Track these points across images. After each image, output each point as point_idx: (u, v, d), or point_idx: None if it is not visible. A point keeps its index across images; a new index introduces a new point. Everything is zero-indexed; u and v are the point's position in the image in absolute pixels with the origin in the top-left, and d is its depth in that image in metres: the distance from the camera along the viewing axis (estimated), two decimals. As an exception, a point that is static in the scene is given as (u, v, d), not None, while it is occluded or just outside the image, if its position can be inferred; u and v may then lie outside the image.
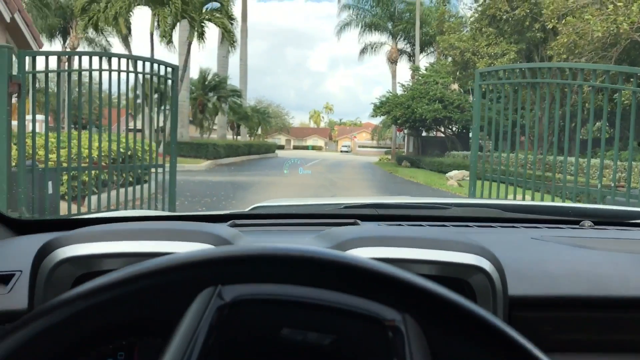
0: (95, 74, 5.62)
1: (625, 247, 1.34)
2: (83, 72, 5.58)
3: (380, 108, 30.23)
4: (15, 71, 4.98)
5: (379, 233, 1.04)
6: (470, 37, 22.98)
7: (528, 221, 1.62)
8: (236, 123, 38.61)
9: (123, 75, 5.76)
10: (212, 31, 36.41)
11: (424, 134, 34.25)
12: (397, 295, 0.58)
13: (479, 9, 23.67)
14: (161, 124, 6.72)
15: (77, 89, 5.59)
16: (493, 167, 6.30)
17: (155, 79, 6.17)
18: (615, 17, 14.73)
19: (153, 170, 6.42)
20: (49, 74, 5.46)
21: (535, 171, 6.02)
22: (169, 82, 6.26)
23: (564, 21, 16.28)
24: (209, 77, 33.19)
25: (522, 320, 1.04)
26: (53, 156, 5.74)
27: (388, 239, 0.99)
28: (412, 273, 0.59)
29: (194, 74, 33.28)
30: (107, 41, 33.72)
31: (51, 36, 32.53)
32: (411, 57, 39.63)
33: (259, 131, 46.07)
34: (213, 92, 33.03)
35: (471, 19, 25.10)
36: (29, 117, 5.44)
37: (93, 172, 5.78)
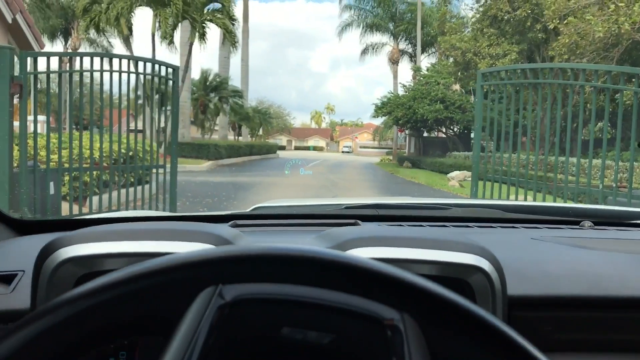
0: (97, 75, 5.63)
1: (624, 247, 1.35)
2: (84, 73, 5.59)
3: (382, 109, 30.23)
4: (17, 72, 4.99)
5: (379, 233, 1.04)
6: (471, 37, 22.99)
7: (528, 221, 1.62)
8: (237, 124, 38.63)
9: (124, 76, 5.77)
10: (213, 32, 36.47)
11: (425, 134, 34.24)
12: (395, 294, 0.59)
13: (480, 9, 23.67)
14: (162, 124, 6.73)
15: (78, 90, 5.60)
16: (495, 168, 6.30)
17: (156, 79, 6.18)
18: (617, 17, 14.73)
19: (154, 170, 6.43)
20: (51, 75, 5.47)
21: (537, 172, 6.02)
22: (170, 82, 6.27)
23: (565, 21, 16.27)
24: (211, 78, 33.22)
25: (521, 320, 1.04)
26: (54, 157, 5.75)
27: (388, 239, 0.99)
28: (410, 273, 0.59)
29: (195, 74, 33.36)
30: (109, 42, 33.80)
31: (53, 37, 32.59)
32: (412, 57, 39.64)
33: (261, 132, 46.10)
34: (214, 92, 33.06)
35: (472, 20, 25.11)
36: (30, 117, 5.44)
37: (94, 172, 5.78)
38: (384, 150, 56.21)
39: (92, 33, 25.15)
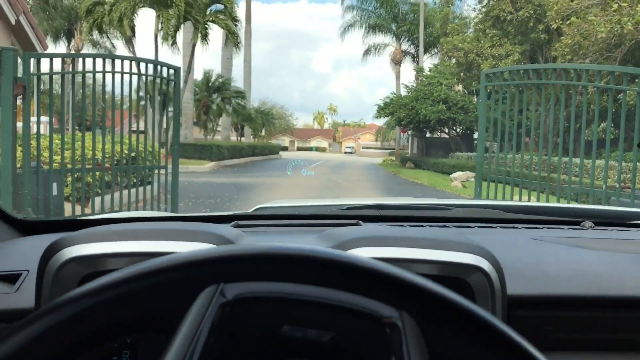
0: (99, 76, 5.64)
1: (624, 247, 1.35)
2: (87, 74, 5.60)
3: (384, 109, 30.20)
4: (20, 73, 5.00)
5: (379, 233, 1.05)
6: (474, 38, 22.97)
7: (529, 222, 1.63)
8: (240, 124, 38.65)
9: (126, 77, 5.78)
10: (216, 33, 36.50)
11: (428, 135, 34.20)
12: (394, 293, 0.60)
13: (483, 10, 23.66)
14: (164, 125, 6.74)
15: (81, 91, 5.61)
16: (499, 168, 6.29)
17: (157, 80, 6.19)
18: (620, 17, 14.69)
19: (156, 171, 6.44)
20: (54, 76, 5.48)
21: (541, 172, 6.01)
22: (172, 83, 6.27)
23: (568, 22, 16.25)
24: (213, 79, 33.27)
25: (521, 319, 1.05)
26: (57, 158, 5.77)
27: (388, 239, 1.00)
28: (409, 271, 0.60)
29: (198, 75, 33.42)
30: (112, 43, 33.85)
31: (56, 38, 32.68)
32: (415, 58, 39.61)
33: (263, 132, 46.14)
34: (217, 93, 33.10)
35: (475, 20, 25.10)
36: (33, 119, 5.46)
37: (97, 173, 5.79)
38: (387, 150, 56.13)
39: (95, 34, 25.19)
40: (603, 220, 1.63)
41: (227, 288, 0.60)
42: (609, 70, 5.97)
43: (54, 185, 5.48)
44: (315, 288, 0.60)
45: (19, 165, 5.12)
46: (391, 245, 0.98)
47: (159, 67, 6.15)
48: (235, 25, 24.44)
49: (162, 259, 0.61)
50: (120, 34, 24.94)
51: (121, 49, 35.44)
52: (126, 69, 5.74)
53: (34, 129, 5.46)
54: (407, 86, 32.42)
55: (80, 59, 5.64)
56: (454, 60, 25.73)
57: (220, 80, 33.02)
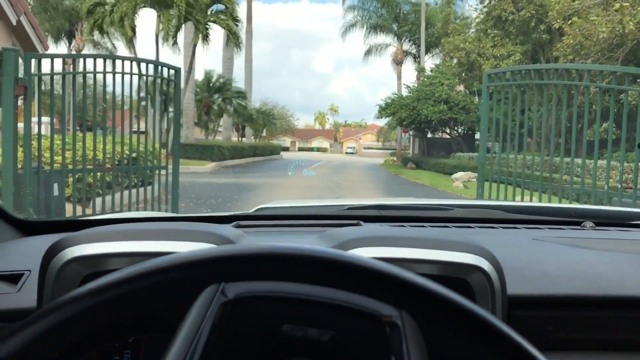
0: (100, 76, 5.64)
1: (624, 247, 1.35)
2: (88, 75, 5.61)
3: (386, 109, 30.21)
4: (21, 74, 5.00)
5: (380, 233, 1.05)
6: (475, 38, 22.97)
7: (530, 222, 1.63)
8: (241, 125, 38.68)
9: (127, 77, 5.78)
10: (217, 33, 36.51)
11: (429, 135, 34.21)
12: (393, 292, 0.60)
13: (484, 10, 23.67)
14: (165, 126, 6.74)
15: (82, 91, 5.62)
16: (501, 169, 6.29)
17: (158, 81, 6.19)
18: (622, 17, 14.68)
19: (157, 172, 6.44)
20: (55, 77, 5.49)
21: (543, 173, 6.00)
22: (172, 84, 6.28)
23: (569, 22, 16.24)
24: (214, 79, 33.29)
25: (521, 319, 1.06)
26: (58, 158, 5.77)
27: (389, 239, 1.00)
28: (408, 271, 0.60)
29: (199, 75, 33.44)
30: (112, 44, 33.89)
31: (57, 39, 32.72)
32: (416, 58, 39.61)
33: (264, 133, 46.18)
34: (218, 93, 33.12)
35: (476, 20, 25.10)
36: (34, 119, 5.47)
37: (98, 174, 5.80)
38: (388, 151, 56.14)
39: (96, 35, 25.24)
40: (604, 221, 1.63)
41: (228, 287, 0.61)
42: (610, 71, 5.96)
43: (55, 185, 5.48)
44: (315, 287, 0.61)
45: (20, 166, 5.13)
46: (391, 245, 0.99)
47: (159, 67, 6.15)
48: (236, 25, 24.49)
49: (163, 258, 0.62)
50: (121, 35, 25.00)
51: (122, 49, 35.53)
52: (127, 69, 5.75)
53: (35, 130, 5.46)
54: (408, 86, 32.43)
55: (81, 60, 5.65)
56: (455, 61, 25.75)
57: (221, 80, 33.04)
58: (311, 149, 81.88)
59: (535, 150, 6.10)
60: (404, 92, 32.25)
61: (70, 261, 0.95)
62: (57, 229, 1.44)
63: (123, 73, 5.71)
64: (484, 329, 0.57)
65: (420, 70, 33.43)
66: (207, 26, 22.76)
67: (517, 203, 3.85)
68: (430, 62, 37.70)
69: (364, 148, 77.87)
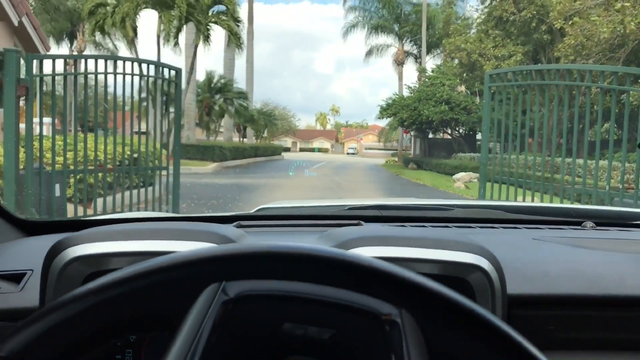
0: (101, 77, 5.64)
1: (624, 247, 1.36)
2: (89, 75, 5.62)
3: (387, 110, 30.20)
4: (23, 74, 5.01)
5: (380, 233, 1.06)
6: (476, 39, 22.96)
7: (530, 222, 1.64)
8: (242, 125, 38.66)
9: (128, 78, 5.79)
10: (218, 34, 36.57)
11: (430, 136, 34.19)
12: (393, 290, 0.61)
13: (485, 10, 23.66)
14: (167, 126, 6.75)
15: (83, 92, 5.63)
16: (503, 169, 6.28)
17: (159, 81, 6.19)
18: (623, 17, 14.67)
19: (158, 172, 6.44)
20: (56, 77, 5.49)
21: (544, 173, 5.99)
22: (173, 84, 6.28)
23: (571, 22, 16.22)
24: (215, 80, 33.28)
25: (521, 318, 1.06)
26: (60, 159, 5.77)
27: (389, 239, 1.01)
28: (407, 270, 0.61)
29: (200, 76, 33.45)
30: (114, 44, 33.91)
31: (58, 39, 32.75)
32: (417, 59, 39.57)
33: (265, 133, 46.17)
34: (219, 94, 33.11)
35: (477, 21, 25.09)
36: (36, 120, 5.47)
37: (99, 174, 5.80)
38: (389, 151, 56.08)
39: (98, 36, 25.27)
40: (604, 221, 1.63)
41: (229, 286, 0.62)
42: (612, 71, 5.95)
43: (57, 186, 5.48)
44: (315, 286, 0.62)
45: (21, 167, 5.13)
46: (392, 245, 0.99)
47: (160, 68, 6.15)
48: (238, 26, 24.50)
49: (164, 257, 0.62)
50: (123, 36, 25.03)
51: (123, 50, 35.57)
52: (128, 70, 5.75)
53: (36, 130, 5.46)
54: (409, 87, 32.41)
55: (83, 60, 5.65)
56: (456, 61, 25.75)
57: (223, 81, 33.05)
58: (312, 150, 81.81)
59: (537, 150, 6.09)
60: (405, 93, 32.24)
61: (73, 260, 0.96)
62: (58, 229, 1.44)
63: (124, 74, 5.71)
64: (484, 328, 0.57)
65: (422, 71, 33.42)
66: (209, 27, 22.78)
67: (518, 203, 3.85)
68: (431, 62, 37.71)
69: (365, 149, 77.77)
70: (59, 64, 5.43)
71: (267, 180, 18.06)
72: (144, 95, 6.70)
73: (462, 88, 28.92)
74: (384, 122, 46.24)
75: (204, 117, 33.25)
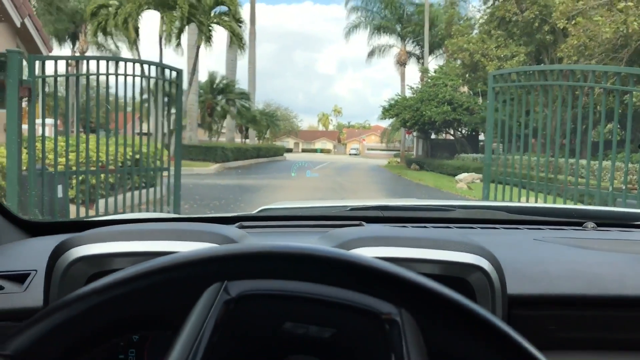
0: (103, 78, 5.65)
1: (625, 247, 1.36)
2: (91, 76, 5.63)
3: (389, 111, 30.22)
4: (25, 76, 5.02)
5: (381, 233, 1.06)
6: (479, 39, 22.94)
7: (531, 223, 1.64)
8: (244, 126, 38.68)
9: (129, 79, 5.80)
10: (220, 34, 36.62)
11: (433, 136, 34.20)
12: (392, 289, 0.61)
13: (488, 11, 23.65)
14: (169, 127, 6.76)
15: (85, 93, 5.64)
16: (506, 170, 6.28)
17: (160, 82, 6.20)
18: (626, 17, 14.64)
19: (160, 173, 6.45)
20: (59, 78, 5.50)
21: (548, 174, 5.98)
22: (174, 85, 6.29)
23: (573, 22, 16.20)
24: (217, 80, 33.31)
25: (521, 318, 1.07)
26: (62, 160, 5.78)
27: (390, 239, 1.01)
28: (406, 269, 0.62)
29: (202, 77, 33.46)
30: (116, 45, 33.96)
31: (61, 41, 32.81)
32: (420, 59, 39.59)
33: (268, 134, 46.16)
34: (221, 95, 33.14)
35: (480, 21, 25.08)
36: (38, 121, 5.48)
37: (101, 175, 5.81)
38: (392, 152, 56.12)
39: (100, 37, 25.32)
40: (605, 221, 1.64)
41: (230, 286, 0.62)
42: (615, 71, 5.94)
43: (59, 187, 5.49)
44: (316, 286, 0.62)
45: (24, 168, 5.14)
46: (392, 245, 0.99)
47: (161, 69, 6.16)
48: (240, 26, 24.54)
49: (167, 257, 0.63)
50: (125, 37, 25.07)
51: (125, 51, 35.63)
52: (129, 71, 5.76)
53: (39, 131, 5.47)
54: (412, 87, 32.43)
55: (85, 61, 5.66)
56: (459, 62, 25.71)
57: (225, 81, 33.09)
58: (314, 150, 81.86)
59: (540, 151, 6.08)
60: (408, 93, 32.26)
61: (76, 261, 0.97)
62: (61, 229, 1.45)
63: (126, 75, 5.72)
64: (483, 328, 0.58)
65: (424, 71, 33.43)
66: (210, 28, 22.82)
67: (519, 204, 3.86)
68: (433, 63, 37.68)
69: (368, 149, 77.77)
70: (61, 65, 5.44)
71: (270, 181, 18.07)
72: (145, 96, 6.71)
73: (465, 89, 28.90)
74: (386, 123, 46.24)
75: (206, 118, 33.27)
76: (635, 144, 10.28)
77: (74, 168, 5.63)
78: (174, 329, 0.61)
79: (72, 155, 5.56)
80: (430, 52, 38.10)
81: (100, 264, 0.98)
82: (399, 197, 15.35)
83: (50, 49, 11.27)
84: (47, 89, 5.48)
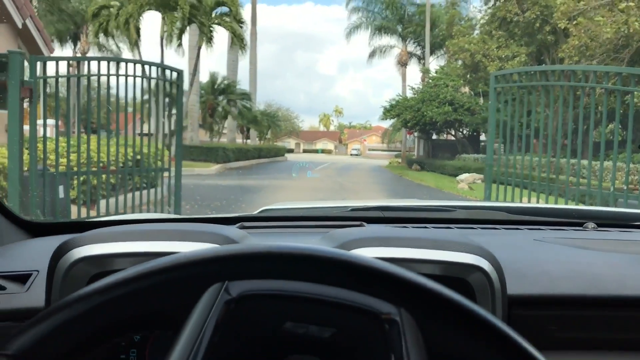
0: (104, 79, 5.66)
1: (625, 248, 1.37)
2: (92, 77, 5.63)
3: (390, 111, 30.20)
4: (27, 76, 5.02)
5: (381, 234, 1.06)
6: (480, 39, 22.91)
7: (532, 223, 1.64)
8: (246, 127, 38.66)
9: (130, 79, 5.80)
10: (221, 35, 36.56)
11: (434, 137, 34.18)
12: (392, 290, 0.62)
13: (489, 11, 23.62)
14: (170, 127, 6.76)
15: (87, 94, 5.65)
16: (507, 170, 6.27)
17: (161, 83, 6.21)
18: (627, 17, 14.62)
19: (161, 174, 6.46)
20: (60, 79, 5.50)
21: (549, 174, 5.98)
22: (175, 86, 6.29)
23: (574, 23, 16.17)
24: (219, 81, 33.33)
25: (521, 318, 1.07)
26: (64, 160, 5.78)
27: (390, 240, 1.02)
28: (406, 269, 0.62)
29: (203, 77, 33.48)
30: (117, 46, 33.98)
31: (62, 41, 32.83)
32: (421, 59, 39.57)
33: (269, 135, 46.14)
34: (223, 95, 33.16)
35: (481, 22, 25.05)
36: (40, 121, 5.49)
37: (103, 176, 5.82)
38: (393, 152, 56.11)
39: (101, 37, 25.35)
40: (606, 222, 1.64)
41: (231, 286, 0.63)
42: (616, 72, 5.94)
43: (61, 187, 5.50)
44: (316, 286, 0.63)
45: (26, 168, 5.15)
46: (393, 246, 1.00)
47: (162, 70, 6.16)
48: (241, 27, 24.54)
49: (168, 257, 0.63)
50: (126, 37, 25.09)
51: (127, 52, 35.64)
52: (130, 71, 5.77)
53: (40, 132, 5.48)
54: (413, 88, 32.41)
55: (86, 62, 5.67)
56: (460, 62, 25.66)
57: (226, 82, 33.10)
58: (316, 151, 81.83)
59: (542, 151, 6.07)
60: (409, 94, 32.23)
61: (78, 261, 0.97)
62: (63, 230, 1.46)
63: (127, 75, 5.73)
64: (483, 328, 0.58)
65: (425, 72, 33.41)
66: (212, 28, 22.83)
67: (520, 204, 3.86)
68: (434, 63, 37.66)
69: (369, 150, 77.74)
70: (63, 66, 5.45)
71: (271, 181, 18.07)
72: (146, 97, 6.72)
73: (466, 89, 28.87)
74: (387, 123, 46.27)
75: (207, 119, 33.28)
76: (637, 144, 10.28)
77: (75, 169, 5.63)
78: (175, 329, 0.61)
79: (73, 156, 5.57)
80: (432, 52, 38.08)
81: (102, 264, 0.98)
82: (400, 198, 15.34)
83: (51, 50, 11.29)
84: (48, 90, 5.48)
